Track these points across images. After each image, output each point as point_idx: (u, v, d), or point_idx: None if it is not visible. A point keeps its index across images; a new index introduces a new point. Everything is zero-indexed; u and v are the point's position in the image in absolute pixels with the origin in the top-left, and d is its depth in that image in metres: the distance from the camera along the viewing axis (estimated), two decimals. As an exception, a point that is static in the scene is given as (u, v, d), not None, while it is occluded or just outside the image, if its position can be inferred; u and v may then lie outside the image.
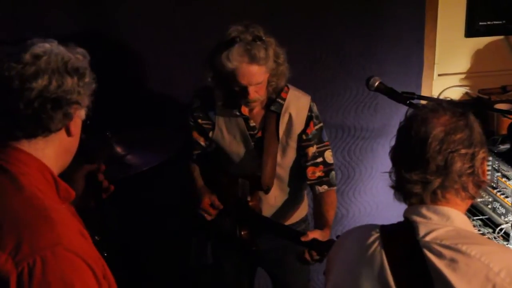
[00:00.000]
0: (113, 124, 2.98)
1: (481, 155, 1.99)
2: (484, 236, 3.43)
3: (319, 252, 2.97)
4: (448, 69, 4.39)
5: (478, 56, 4.40)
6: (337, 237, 2.54)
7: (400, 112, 2.12)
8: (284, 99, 3.27)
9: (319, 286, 4.46)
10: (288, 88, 3.29)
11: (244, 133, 3.29)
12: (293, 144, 3.32)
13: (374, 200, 4.46)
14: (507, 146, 3.73)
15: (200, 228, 3.52)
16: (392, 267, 1.96)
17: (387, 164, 2.11)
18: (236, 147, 3.32)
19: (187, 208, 3.51)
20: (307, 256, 3.02)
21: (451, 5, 4.25)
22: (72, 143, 2.04)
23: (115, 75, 3.58)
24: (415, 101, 2.84)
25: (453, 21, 4.30)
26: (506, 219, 3.56)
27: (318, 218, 3.29)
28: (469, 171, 1.96)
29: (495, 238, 3.46)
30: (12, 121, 1.88)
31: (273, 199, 3.40)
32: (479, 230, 3.56)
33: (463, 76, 4.43)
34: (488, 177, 3.70)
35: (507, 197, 3.56)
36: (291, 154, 3.35)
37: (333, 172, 3.37)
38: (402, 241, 1.99)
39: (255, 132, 3.29)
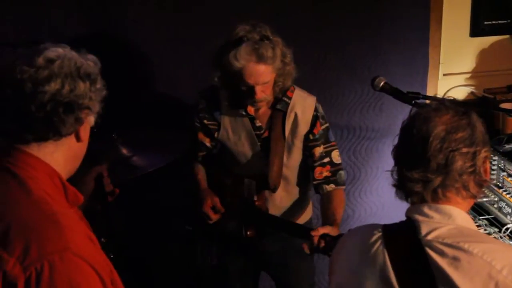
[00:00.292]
0: (119, 125, 2.98)
1: (483, 154, 1.99)
2: (490, 236, 3.42)
3: (328, 242, 2.94)
4: (453, 69, 4.39)
5: (483, 56, 4.40)
6: (349, 230, 2.55)
7: (405, 112, 2.12)
8: (290, 98, 3.27)
9: (325, 288, 4.46)
10: (294, 88, 3.29)
11: (250, 133, 3.29)
12: (298, 144, 3.32)
13: (380, 200, 4.46)
14: (512, 145, 3.73)
15: (204, 231, 3.52)
16: (395, 266, 1.96)
17: (393, 165, 2.11)
18: (242, 147, 3.32)
19: (193, 210, 3.51)
20: (314, 243, 2.98)
21: (456, 5, 4.25)
22: (81, 148, 2.04)
23: (120, 76, 3.58)
24: (420, 101, 2.84)
25: (458, 20, 4.30)
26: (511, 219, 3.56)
27: (326, 217, 3.26)
28: (470, 170, 1.96)
29: (501, 237, 3.45)
30: (23, 123, 1.88)
31: (278, 200, 3.40)
32: (485, 230, 3.55)
33: (468, 75, 4.42)
34: (494, 177, 3.70)
35: (512, 196, 3.56)
36: (297, 155, 3.35)
37: (341, 172, 3.36)
38: (404, 240, 1.99)
39: (262, 132, 3.30)
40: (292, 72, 3.18)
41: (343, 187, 3.39)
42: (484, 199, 3.71)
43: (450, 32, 4.29)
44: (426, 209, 1.99)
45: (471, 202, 2.06)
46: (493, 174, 3.72)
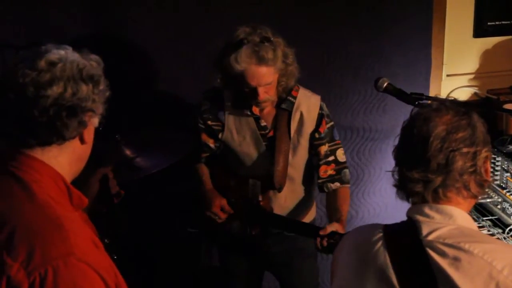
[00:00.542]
0: (122, 126, 2.98)
1: (483, 154, 1.99)
2: (493, 237, 3.42)
3: (337, 240, 2.93)
4: (457, 70, 4.38)
5: (487, 56, 4.40)
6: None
7: (408, 113, 2.12)
8: (295, 97, 3.28)
9: (329, 288, 4.46)
10: (299, 87, 3.30)
11: (255, 133, 3.29)
12: (304, 143, 3.32)
13: (383, 201, 4.46)
14: (516, 146, 3.73)
15: (208, 231, 3.52)
16: (395, 266, 1.96)
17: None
18: (246, 148, 3.32)
19: (195, 212, 3.51)
20: (324, 243, 2.99)
21: (459, 6, 4.25)
22: (85, 150, 2.03)
23: (123, 77, 3.58)
24: (422, 102, 2.84)
25: (461, 21, 4.30)
26: (515, 219, 3.56)
27: (333, 214, 3.28)
28: (470, 169, 1.96)
29: (504, 238, 3.45)
30: (26, 128, 1.86)
31: (283, 200, 3.40)
32: (488, 231, 3.55)
33: (471, 76, 4.42)
34: (497, 177, 3.70)
35: (516, 197, 3.56)
36: (302, 154, 3.35)
37: (345, 170, 3.38)
38: (405, 240, 1.99)
39: (267, 131, 3.30)
40: (295, 72, 3.19)
41: (348, 185, 3.40)
42: (488, 200, 3.71)
43: (454, 33, 4.29)
44: (427, 210, 1.99)
45: (472, 202, 2.06)
46: (496, 175, 3.72)
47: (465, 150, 1.94)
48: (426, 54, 4.26)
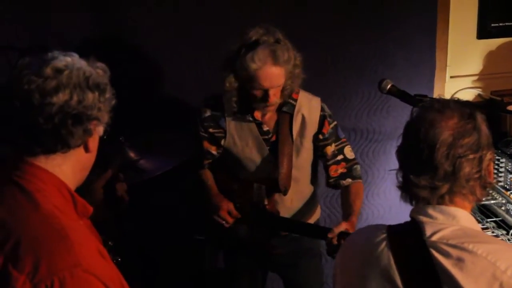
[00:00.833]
0: (126, 128, 2.98)
1: (488, 156, 1.98)
2: (497, 238, 3.41)
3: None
4: (460, 71, 4.38)
5: (490, 58, 4.39)
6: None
7: (412, 115, 2.12)
8: (295, 100, 3.28)
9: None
10: (299, 90, 3.30)
11: (257, 139, 3.29)
12: (307, 144, 3.32)
13: (387, 202, 4.46)
14: (520, 147, 3.73)
15: (213, 233, 3.52)
16: (399, 267, 1.96)
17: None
18: (249, 153, 3.32)
19: (201, 213, 3.51)
20: (334, 241, 2.97)
21: (463, 7, 4.25)
22: (90, 159, 2.01)
23: (128, 79, 3.59)
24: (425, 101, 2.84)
25: (465, 23, 4.30)
26: (519, 221, 3.56)
27: (345, 208, 3.29)
28: (476, 175, 1.96)
29: (508, 240, 3.45)
30: (30, 136, 1.85)
31: (289, 202, 3.40)
32: (492, 232, 3.54)
33: (475, 78, 4.42)
34: (501, 179, 3.70)
35: (520, 198, 3.56)
36: (305, 155, 3.35)
37: (356, 166, 3.38)
38: (409, 241, 1.99)
39: (269, 136, 3.30)
40: (300, 75, 3.19)
41: (360, 180, 3.40)
42: (492, 202, 3.71)
43: (457, 34, 4.29)
44: (430, 210, 1.99)
45: (474, 203, 2.07)
46: (500, 177, 3.72)
47: (471, 156, 1.94)
48: (430, 56, 4.26)
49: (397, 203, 2.12)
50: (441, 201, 1.98)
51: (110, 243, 2.58)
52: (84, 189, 2.06)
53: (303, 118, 3.28)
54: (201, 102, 3.37)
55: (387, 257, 1.99)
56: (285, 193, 3.32)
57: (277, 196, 3.34)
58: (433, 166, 1.93)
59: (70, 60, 1.90)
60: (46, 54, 1.90)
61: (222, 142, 3.34)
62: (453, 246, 1.89)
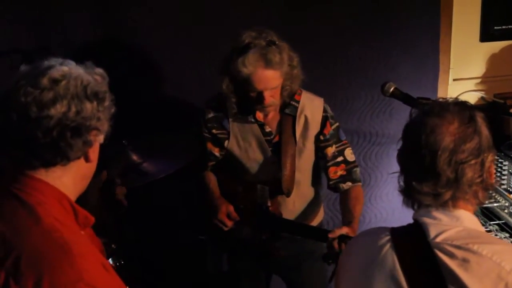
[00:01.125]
0: (129, 131, 2.98)
1: (489, 159, 1.99)
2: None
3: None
4: (464, 74, 4.38)
5: (493, 61, 4.39)
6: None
7: (415, 118, 2.11)
8: (298, 102, 3.28)
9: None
10: (301, 91, 3.30)
11: (260, 140, 3.29)
12: (309, 146, 3.32)
13: (390, 205, 4.46)
14: (523, 150, 3.72)
15: (216, 236, 3.52)
16: (404, 269, 1.96)
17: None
18: (252, 154, 3.33)
19: (205, 219, 3.51)
20: (335, 245, 2.96)
21: (466, 10, 4.25)
22: (90, 169, 1.98)
23: (130, 81, 3.60)
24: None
25: (468, 25, 4.30)
26: (523, 224, 3.55)
27: (345, 214, 3.28)
28: (479, 180, 1.96)
29: (512, 242, 3.45)
30: (29, 150, 1.81)
31: (292, 204, 3.40)
32: (495, 235, 3.54)
33: (478, 80, 4.41)
34: (504, 182, 3.70)
35: (523, 202, 3.56)
36: (308, 157, 3.35)
37: (356, 169, 3.38)
38: (413, 242, 1.99)
39: (272, 137, 3.30)
40: (299, 76, 3.19)
41: (360, 183, 3.40)
42: (495, 205, 3.71)
43: (460, 37, 4.28)
44: (434, 212, 1.99)
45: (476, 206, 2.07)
46: (503, 179, 3.71)
47: (473, 162, 1.94)
48: (433, 59, 4.26)
49: (400, 206, 2.12)
50: (444, 206, 1.98)
51: (113, 245, 2.59)
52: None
53: (306, 119, 3.28)
54: (204, 103, 3.38)
55: (392, 259, 1.99)
56: (288, 195, 3.32)
57: (280, 198, 3.34)
58: (436, 173, 1.93)
59: (67, 69, 1.86)
60: (42, 63, 1.87)
61: (226, 143, 3.34)
62: (458, 247, 1.89)
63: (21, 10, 3.56)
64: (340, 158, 3.33)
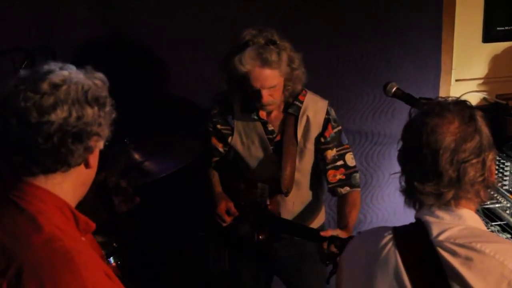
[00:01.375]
0: (131, 130, 2.98)
1: (490, 157, 1.99)
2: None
3: (338, 247, 2.94)
4: (466, 75, 4.38)
5: (496, 61, 4.39)
6: (359, 233, 2.54)
7: (417, 118, 2.11)
8: (301, 102, 3.28)
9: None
10: (306, 92, 3.30)
11: (262, 137, 3.30)
12: (310, 147, 3.32)
13: (392, 206, 4.46)
14: (525, 151, 3.72)
15: (217, 235, 3.52)
16: (407, 267, 1.96)
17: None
18: (255, 152, 3.34)
19: (205, 216, 3.51)
20: (324, 247, 2.98)
21: (468, 11, 4.24)
22: (90, 174, 1.95)
23: (133, 81, 3.60)
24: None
25: (471, 26, 4.29)
26: (524, 225, 3.55)
27: (340, 219, 3.28)
28: (480, 178, 1.96)
29: (513, 244, 3.44)
30: (29, 156, 1.78)
31: (291, 205, 3.40)
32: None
33: (480, 81, 4.41)
34: (506, 182, 3.69)
35: (525, 202, 3.55)
36: (309, 158, 3.35)
37: (355, 174, 3.36)
38: (416, 241, 1.99)
39: (274, 136, 3.31)
40: (302, 76, 3.18)
41: (358, 189, 3.39)
42: (496, 205, 3.71)
43: (463, 38, 4.28)
44: (436, 211, 2.00)
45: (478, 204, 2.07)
46: (505, 180, 3.71)
47: (474, 161, 1.94)
48: (436, 59, 4.25)
49: (401, 207, 2.13)
50: (447, 205, 1.98)
51: (114, 244, 2.58)
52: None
53: (308, 119, 3.28)
54: (206, 102, 3.39)
55: (394, 258, 1.99)
56: (286, 194, 3.32)
57: (279, 198, 3.35)
58: (438, 173, 1.94)
59: (67, 74, 1.82)
60: (41, 67, 1.83)
61: (229, 139, 3.35)
62: (461, 246, 1.90)
63: (23, 8, 3.56)
64: (340, 162, 3.33)
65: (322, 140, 3.31)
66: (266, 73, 3.02)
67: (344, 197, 3.32)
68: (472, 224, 1.98)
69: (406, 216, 2.20)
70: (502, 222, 3.67)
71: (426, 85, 4.25)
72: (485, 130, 2.00)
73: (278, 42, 3.06)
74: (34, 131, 1.74)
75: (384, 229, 2.11)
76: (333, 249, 2.95)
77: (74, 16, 3.61)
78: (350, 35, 4.06)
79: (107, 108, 1.89)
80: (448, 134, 1.94)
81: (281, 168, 3.28)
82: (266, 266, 3.62)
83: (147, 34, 3.75)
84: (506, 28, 4.31)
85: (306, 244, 3.39)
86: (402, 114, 4.21)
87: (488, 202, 3.69)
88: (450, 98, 2.07)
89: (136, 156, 2.99)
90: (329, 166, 3.32)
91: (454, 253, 1.89)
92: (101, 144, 1.92)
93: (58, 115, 1.75)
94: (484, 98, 4.40)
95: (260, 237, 3.34)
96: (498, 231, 3.59)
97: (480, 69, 4.40)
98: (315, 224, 3.52)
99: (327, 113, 3.31)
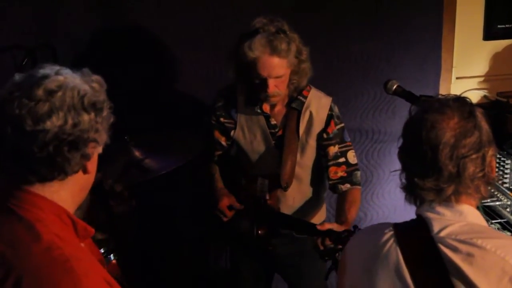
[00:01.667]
0: (131, 127, 2.98)
1: (490, 153, 2.00)
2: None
3: (334, 241, 2.94)
4: (466, 72, 4.38)
5: (496, 59, 4.39)
6: (354, 227, 2.54)
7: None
8: (305, 97, 3.28)
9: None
10: (310, 87, 3.30)
11: (265, 131, 3.30)
12: (312, 142, 3.32)
13: (392, 203, 4.46)
14: (526, 149, 3.72)
15: (217, 231, 3.52)
16: (408, 263, 1.97)
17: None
18: (256, 146, 3.34)
19: (205, 211, 3.51)
20: (319, 242, 2.98)
21: (469, 8, 4.24)
22: (89, 179, 1.90)
23: (133, 78, 3.60)
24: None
25: (471, 24, 4.29)
26: (524, 223, 3.55)
27: (338, 215, 3.28)
28: (480, 174, 1.97)
29: (514, 241, 3.43)
30: (24, 165, 1.74)
31: (291, 200, 3.40)
32: (497, 234, 3.54)
33: (481, 79, 4.41)
34: (507, 180, 3.69)
35: (526, 200, 3.55)
36: (310, 153, 3.35)
37: (356, 172, 3.37)
38: (417, 237, 2.00)
39: (276, 130, 3.31)
40: (308, 71, 3.19)
41: (359, 187, 3.39)
42: (497, 203, 3.71)
43: (463, 36, 4.28)
44: (437, 207, 2.00)
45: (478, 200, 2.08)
46: (506, 178, 3.71)
47: (474, 156, 1.95)
48: (436, 57, 4.25)
49: (402, 204, 2.13)
50: (447, 201, 1.99)
51: (113, 243, 2.58)
52: None
53: (311, 115, 3.28)
54: (207, 100, 3.39)
55: (396, 254, 1.99)
56: (285, 189, 3.32)
57: (279, 192, 3.35)
58: (438, 168, 1.94)
59: (63, 79, 1.77)
60: (37, 71, 1.78)
61: (232, 133, 3.35)
62: (462, 242, 1.90)
63: (23, 8, 3.56)
64: (342, 159, 3.33)
65: (325, 136, 3.31)
66: (275, 61, 3.02)
67: (344, 194, 3.32)
68: (473, 220, 1.99)
69: (406, 213, 2.21)
70: (502, 220, 3.68)
71: (426, 83, 4.25)
72: (484, 126, 2.00)
73: (288, 32, 3.07)
74: (29, 139, 1.70)
75: (385, 225, 2.11)
76: (328, 242, 2.95)
77: (74, 15, 3.61)
78: (351, 33, 4.06)
79: (105, 113, 1.85)
80: (447, 130, 1.95)
81: (281, 162, 3.28)
82: (267, 264, 3.62)
83: (147, 34, 3.75)
84: (507, 25, 4.31)
85: (306, 242, 3.39)
86: (402, 112, 4.20)
87: (489, 200, 3.70)
88: (449, 95, 2.08)
89: (137, 153, 2.99)
90: (331, 163, 3.32)
91: (455, 249, 1.89)
92: (99, 149, 1.88)
93: (53, 123, 1.71)
94: (485, 96, 4.40)
95: (260, 232, 3.34)
96: (498, 229, 3.59)
97: (481, 67, 4.40)
98: (316, 221, 3.50)
99: (331, 109, 3.31)
